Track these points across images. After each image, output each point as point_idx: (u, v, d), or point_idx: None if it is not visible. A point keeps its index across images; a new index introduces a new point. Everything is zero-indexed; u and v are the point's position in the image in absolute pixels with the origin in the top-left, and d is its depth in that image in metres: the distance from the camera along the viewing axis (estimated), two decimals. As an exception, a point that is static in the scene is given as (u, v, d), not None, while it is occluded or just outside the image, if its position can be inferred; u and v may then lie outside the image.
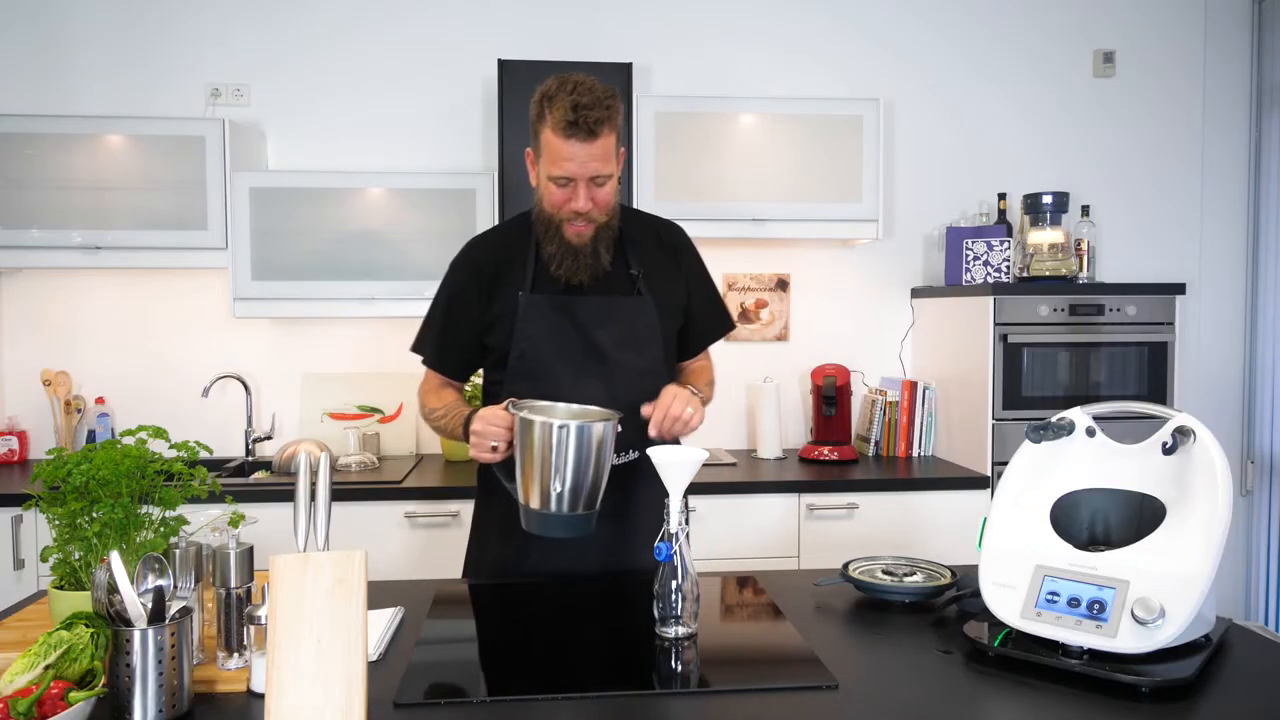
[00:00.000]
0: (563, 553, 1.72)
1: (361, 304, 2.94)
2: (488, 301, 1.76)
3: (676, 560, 1.37)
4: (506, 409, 1.56)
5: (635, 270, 1.76)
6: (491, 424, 1.57)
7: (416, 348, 1.88)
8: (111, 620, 1.12)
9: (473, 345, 1.80)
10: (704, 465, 1.48)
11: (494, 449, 1.58)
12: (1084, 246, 3.20)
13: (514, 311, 1.72)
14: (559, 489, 1.48)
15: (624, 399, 1.69)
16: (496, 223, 2.94)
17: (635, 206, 1.89)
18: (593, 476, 1.50)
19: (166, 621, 1.13)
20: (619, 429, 1.62)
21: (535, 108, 1.66)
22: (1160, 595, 1.22)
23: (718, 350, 1.97)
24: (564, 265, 1.70)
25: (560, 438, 1.47)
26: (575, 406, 1.60)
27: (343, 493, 2.67)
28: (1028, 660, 1.27)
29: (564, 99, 1.60)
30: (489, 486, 1.83)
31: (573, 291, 1.73)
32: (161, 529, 1.40)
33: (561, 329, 1.71)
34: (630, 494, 1.72)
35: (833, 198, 3.06)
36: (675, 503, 1.39)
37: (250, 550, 1.28)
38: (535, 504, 1.50)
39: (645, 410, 1.63)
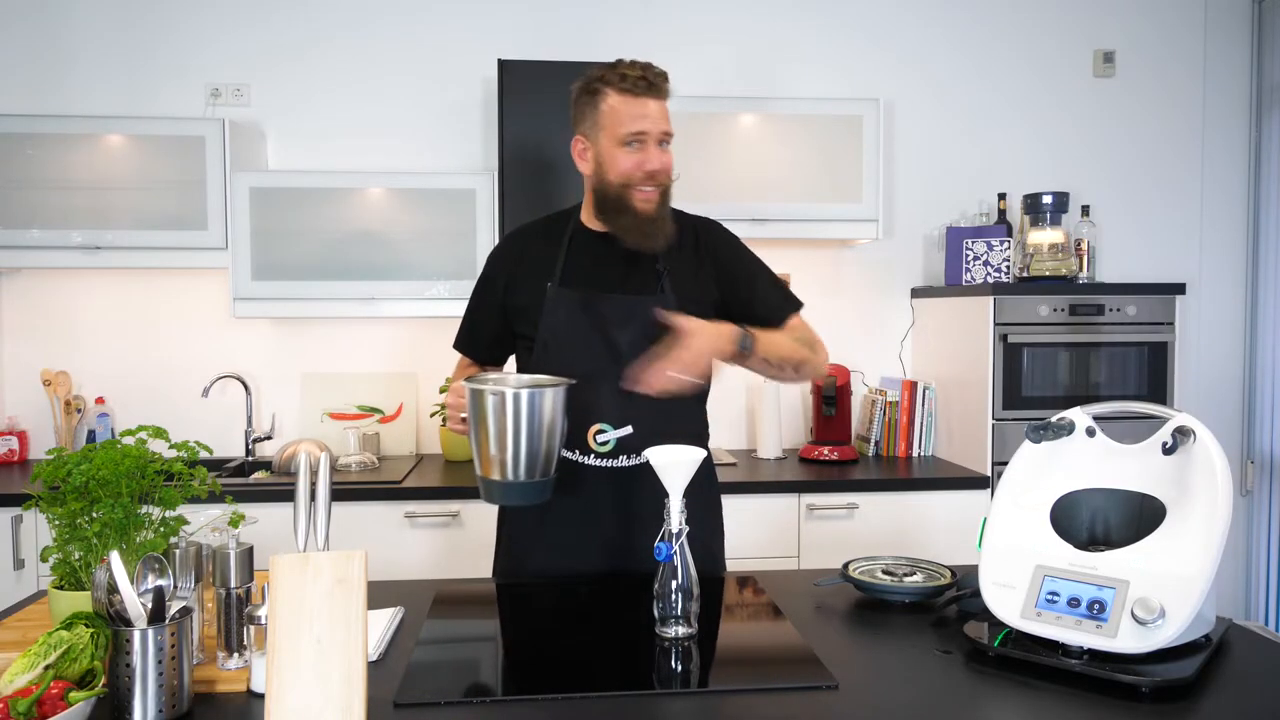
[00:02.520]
0: (563, 553, 1.72)
1: (361, 304, 2.94)
2: (512, 290, 1.79)
3: (676, 560, 1.37)
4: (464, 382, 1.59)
5: (661, 267, 1.75)
6: (457, 395, 1.60)
7: (459, 330, 1.94)
8: (111, 620, 1.12)
9: (497, 335, 1.85)
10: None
11: (463, 420, 1.59)
12: (1084, 246, 3.20)
13: (540, 303, 1.74)
14: (508, 457, 1.50)
15: (638, 399, 1.66)
16: (496, 222, 2.94)
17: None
18: (545, 444, 1.51)
19: (166, 621, 1.13)
20: (615, 435, 1.64)
21: (586, 89, 1.71)
22: (1160, 595, 1.22)
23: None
24: (634, 234, 1.71)
25: (503, 406, 1.48)
26: (526, 377, 1.62)
27: (343, 493, 2.67)
28: (1028, 660, 1.27)
29: (626, 66, 1.69)
30: None
31: (598, 288, 1.73)
32: (161, 529, 1.40)
33: (582, 325, 1.71)
34: (639, 497, 1.71)
35: (833, 198, 3.06)
36: (675, 503, 1.39)
37: (250, 550, 1.28)
38: (491, 473, 1.52)
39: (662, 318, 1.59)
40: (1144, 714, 1.13)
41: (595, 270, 1.74)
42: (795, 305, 1.88)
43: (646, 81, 1.66)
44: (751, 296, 1.82)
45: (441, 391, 3.16)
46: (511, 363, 1.92)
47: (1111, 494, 1.38)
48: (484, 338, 1.88)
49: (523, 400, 1.48)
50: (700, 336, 1.58)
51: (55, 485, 1.37)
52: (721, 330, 1.63)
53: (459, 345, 1.92)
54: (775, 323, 1.82)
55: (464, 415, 1.58)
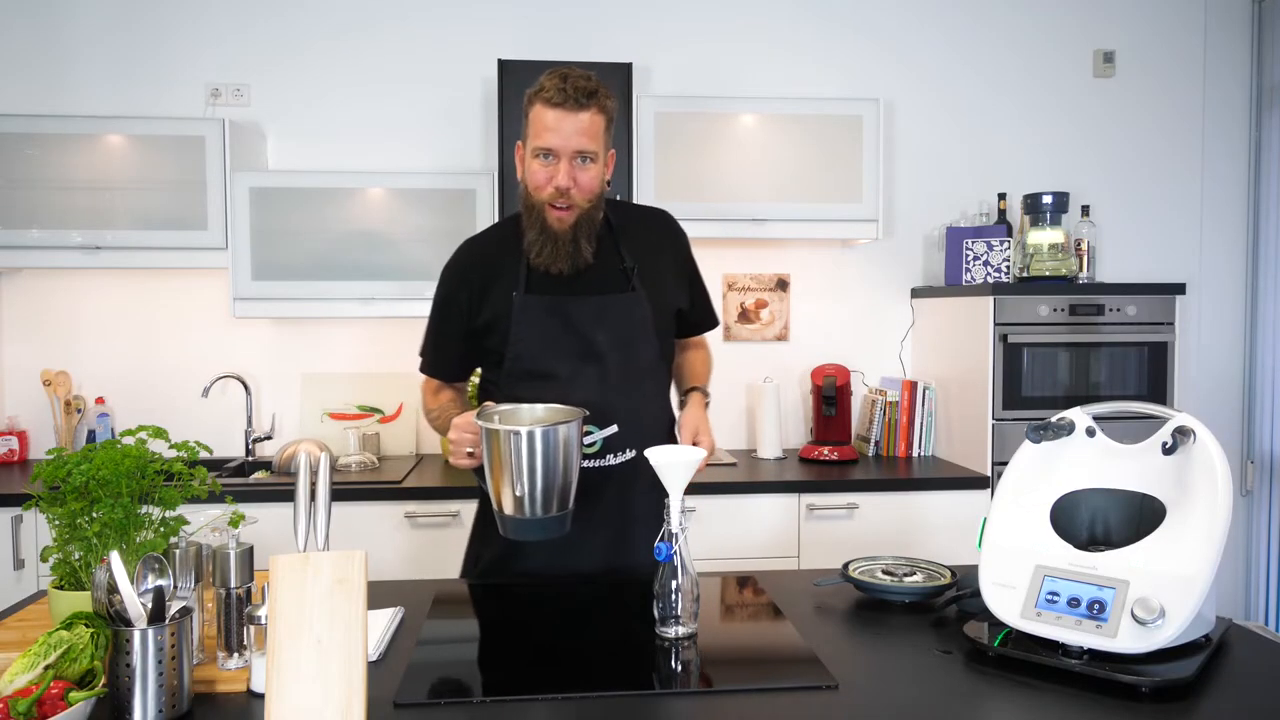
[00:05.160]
0: (563, 552, 1.72)
1: (361, 304, 2.94)
2: (479, 306, 1.76)
3: (676, 560, 1.37)
4: (476, 416, 1.56)
5: (629, 264, 1.76)
6: (465, 431, 1.58)
7: (420, 351, 1.91)
8: (111, 620, 1.12)
9: (462, 350, 1.83)
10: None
11: (470, 454, 1.59)
12: (1084, 246, 3.20)
13: (509, 313, 1.72)
14: (526, 494, 1.48)
15: (619, 397, 1.71)
16: (497, 222, 2.94)
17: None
18: (561, 479, 1.50)
19: (166, 621, 1.13)
20: (601, 435, 1.67)
21: (527, 96, 1.68)
22: (1160, 595, 1.22)
23: (719, 351, 1.97)
24: (544, 253, 1.70)
25: (520, 444, 1.46)
26: (541, 408, 1.60)
27: (343, 493, 2.67)
28: (1028, 660, 1.27)
29: (555, 75, 1.65)
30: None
31: (565, 291, 1.72)
32: (161, 529, 1.40)
33: (555, 331, 1.71)
34: (630, 494, 1.73)
35: (833, 198, 3.06)
36: (675, 503, 1.39)
37: (250, 550, 1.28)
38: (508, 510, 1.51)
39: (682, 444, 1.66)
40: (1144, 714, 1.13)
41: (559, 274, 1.72)
42: (712, 322, 1.99)
43: (564, 93, 1.61)
44: (693, 307, 1.90)
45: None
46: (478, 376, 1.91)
47: (1111, 494, 1.38)
48: (451, 357, 1.86)
49: (537, 438, 1.46)
50: (706, 434, 1.73)
51: (55, 485, 1.37)
52: (701, 412, 1.79)
53: (426, 369, 1.89)
54: (700, 332, 1.97)
55: (469, 450, 1.58)
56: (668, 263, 1.83)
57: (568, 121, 1.62)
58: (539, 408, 1.60)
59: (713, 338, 2.03)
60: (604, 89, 1.67)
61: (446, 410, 1.78)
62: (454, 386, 1.90)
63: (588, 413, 1.57)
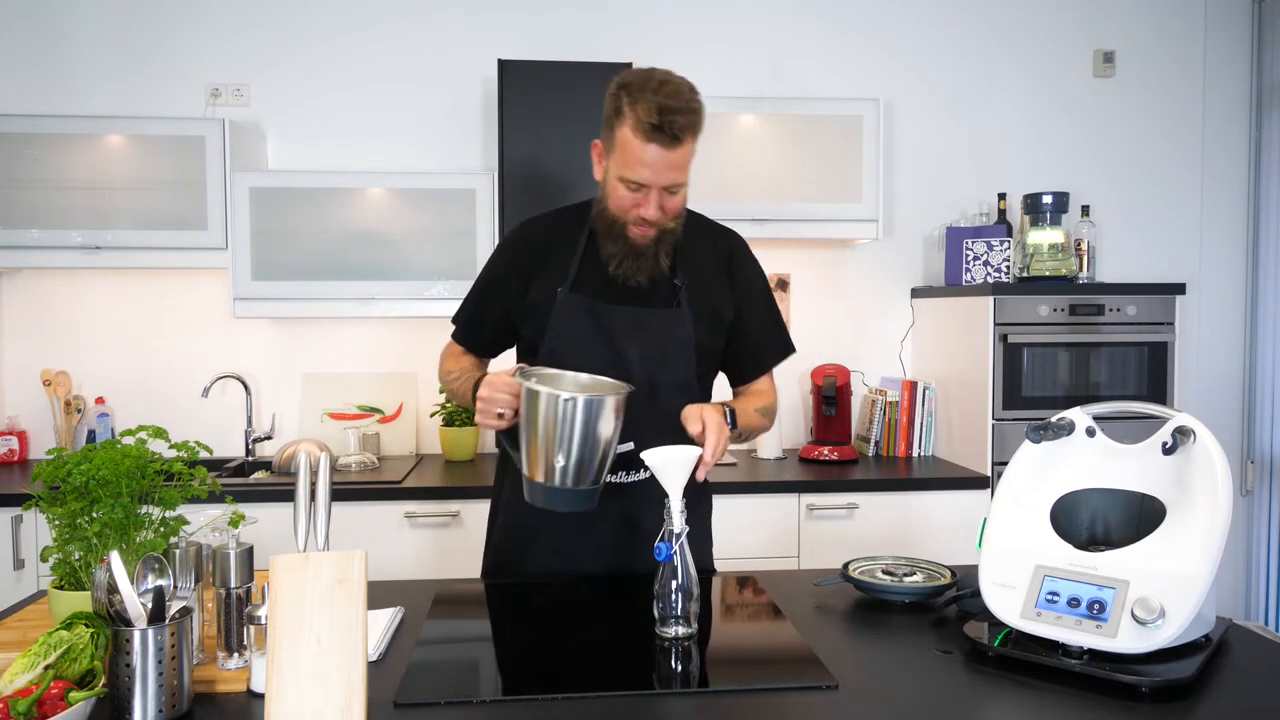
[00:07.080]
0: (563, 553, 1.71)
1: (361, 304, 2.94)
2: (524, 290, 1.71)
3: (676, 560, 1.37)
4: (514, 376, 1.51)
5: (679, 281, 1.69)
6: (499, 390, 1.53)
7: (455, 318, 1.85)
8: (111, 620, 1.12)
9: (500, 330, 1.78)
10: (704, 465, 1.48)
11: (500, 416, 1.54)
12: (1084, 246, 3.20)
13: (550, 305, 1.67)
14: (563, 463, 1.43)
15: (641, 414, 1.61)
16: (496, 222, 2.94)
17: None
18: (601, 451, 1.44)
19: (166, 621, 1.13)
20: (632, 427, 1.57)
21: (613, 100, 1.57)
22: (1160, 595, 1.22)
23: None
24: (624, 265, 1.64)
25: (565, 411, 1.41)
26: (585, 377, 1.54)
27: (343, 493, 2.67)
28: (1028, 660, 1.27)
29: (650, 98, 1.51)
30: (500, 479, 1.82)
31: (610, 297, 1.67)
32: (161, 529, 1.40)
33: (591, 335, 1.65)
34: (637, 516, 1.68)
35: (833, 198, 3.07)
36: (675, 503, 1.39)
37: (250, 550, 1.28)
38: (539, 477, 1.46)
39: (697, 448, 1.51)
40: (1144, 714, 1.13)
41: (609, 277, 1.67)
42: (785, 351, 1.82)
43: (659, 130, 1.50)
44: (749, 335, 1.77)
45: (442, 392, 3.16)
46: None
47: (1111, 494, 1.38)
48: (485, 333, 1.81)
49: (579, 406, 1.41)
50: (716, 432, 1.52)
51: (55, 485, 1.37)
52: (717, 414, 1.57)
53: (460, 336, 1.83)
54: (761, 366, 1.80)
55: (500, 411, 1.53)
56: (724, 285, 1.74)
57: (660, 157, 1.53)
58: (584, 376, 1.53)
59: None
60: (699, 110, 1.55)
61: (469, 372, 1.73)
62: (478, 361, 1.85)
63: (633, 388, 1.49)
